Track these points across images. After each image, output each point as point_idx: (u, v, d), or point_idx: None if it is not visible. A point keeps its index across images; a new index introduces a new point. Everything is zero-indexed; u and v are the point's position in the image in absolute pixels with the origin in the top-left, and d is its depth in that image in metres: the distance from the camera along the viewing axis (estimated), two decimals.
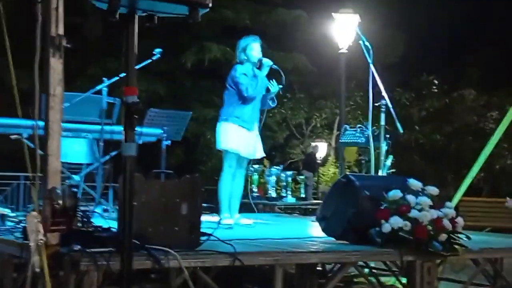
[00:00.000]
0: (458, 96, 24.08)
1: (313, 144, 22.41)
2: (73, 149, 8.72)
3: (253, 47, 7.60)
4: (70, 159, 8.81)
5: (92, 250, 4.07)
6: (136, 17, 3.93)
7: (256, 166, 12.98)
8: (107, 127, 8.39)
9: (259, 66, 7.62)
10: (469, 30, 24.65)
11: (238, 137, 7.42)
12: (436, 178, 20.38)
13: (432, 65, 24.67)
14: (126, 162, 3.84)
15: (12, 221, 5.84)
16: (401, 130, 8.28)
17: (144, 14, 3.98)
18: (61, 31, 4.30)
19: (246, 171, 7.99)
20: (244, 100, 7.42)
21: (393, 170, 8.62)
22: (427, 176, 20.28)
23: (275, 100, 7.77)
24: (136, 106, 3.82)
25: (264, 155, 7.88)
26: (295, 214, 12.33)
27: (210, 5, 4.00)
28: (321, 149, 21.58)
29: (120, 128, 3.86)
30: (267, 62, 7.61)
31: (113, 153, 8.69)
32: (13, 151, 8.42)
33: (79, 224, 4.56)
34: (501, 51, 23.95)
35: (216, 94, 7.80)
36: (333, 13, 12.36)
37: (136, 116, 3.84)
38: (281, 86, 7.66)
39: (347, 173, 11.92)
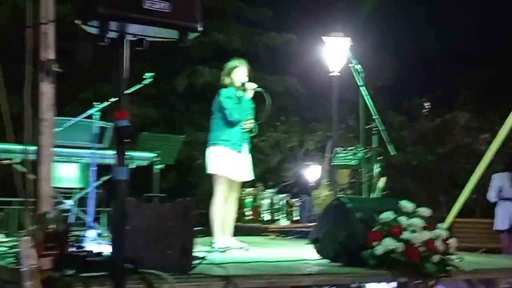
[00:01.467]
0: (450, 118, 24.10)
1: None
2: (65, 174, 8.71)
3: (238, 71, 7.63)
4: (63, 184, 8.80)
5: (85, 274, 4.06)
6: (126, 41, 3.94)
7: (249, 189, 12.98)
8: (99, 152, 8.39)
9: (244, 89, 7.64)
10: (460, 52, 24.74)
11: (228, 161, 7.44)
12: (429, 199, 20.34)
13: (424, 87, 24.72)
14: (118, 186, 3.84)
15: (4, 246, 5.81)
16: (392, 152, 8.30)
17: (134, 38, 3.99)
18: (51, 56, 4.31)
19: (240, 194, 7.98)
20: (230, 124, 7.46)
21: (386, 192, 8.63)
22: (420, 197, 20.25)
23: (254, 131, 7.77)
24: (128, 130, 3.82)
25: (253, 177, 7.88)
26: (289, 237, 12.30)
27: (200, 29, 4.01)
28: (315, 172, 21.54)
29: (112, 152, 3.85)
30: (251, 85, 7.63)
31: (105, 178, 8.68)
32: (5, 176, 8.40)
33: (72, 249, 4.55)
34: (493, 73, 24.04)
35: (208, 118, 7.79)
36: (323, 37, 12.40)
37: (128, 140, 3.84)
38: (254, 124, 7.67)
39: (339, 195, 11.91)
